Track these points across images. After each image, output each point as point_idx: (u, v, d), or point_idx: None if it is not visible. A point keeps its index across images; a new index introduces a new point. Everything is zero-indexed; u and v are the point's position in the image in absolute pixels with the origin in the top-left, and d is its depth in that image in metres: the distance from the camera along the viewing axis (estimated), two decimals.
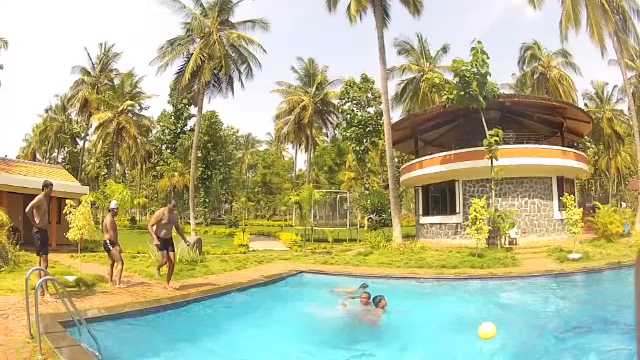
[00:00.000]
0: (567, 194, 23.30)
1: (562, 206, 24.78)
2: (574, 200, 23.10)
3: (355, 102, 52.71)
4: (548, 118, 32.13)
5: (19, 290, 11.38)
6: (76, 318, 7.46)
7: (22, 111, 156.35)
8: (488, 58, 26.57)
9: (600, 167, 74.27)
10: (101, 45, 65.23)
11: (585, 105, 61.33)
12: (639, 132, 29.85)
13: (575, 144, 37.28)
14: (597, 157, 72.39)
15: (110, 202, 17.59)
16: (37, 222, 11.14)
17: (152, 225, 13.51)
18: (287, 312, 12.17)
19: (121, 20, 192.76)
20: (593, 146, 68.26)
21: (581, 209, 22.82)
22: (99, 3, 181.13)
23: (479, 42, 26.53)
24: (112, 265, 14.03)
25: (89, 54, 64.31)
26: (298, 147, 71.02)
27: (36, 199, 11.12)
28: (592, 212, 29.58)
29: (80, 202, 14.88)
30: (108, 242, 13.92)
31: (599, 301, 13.30)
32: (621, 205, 40.72)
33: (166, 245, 13.61)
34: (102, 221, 16.85)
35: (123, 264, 13.97)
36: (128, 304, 11.06)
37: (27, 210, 11.09)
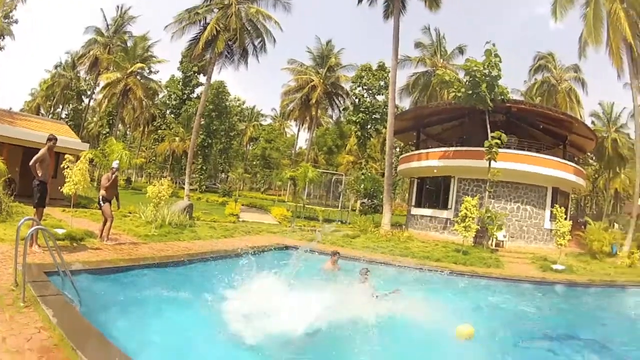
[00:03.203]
0: (557, 206, 23.28)
1: (553, 216, 24.84)
2: (565, 212, 23.11)
3: (366, 87, 52.72)
4: (553, 129, 32.22)
5: (8, 240, 11.50)
6: (61, 269, 7.64)
7: (32, 65, 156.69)
8: (500, 61, 26.60)
9: (598, 185, 73.75)
10: (118, 7, 65.24)
11: (592, 122, 61.30)
12: None
13: (576, 158, 37.26)
14: (596, 175, 71.96)
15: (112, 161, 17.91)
16: (39, 174, 11.23)
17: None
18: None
19: None
20: (595, 163, 67.91)
21: (570, 222, 22.85)
22: None
23: (493, 45, 26.57)
24: (104, 222, 14.20)
25: (104, 15, 64.48)
26: (301, 125, 71.29)
27: (40, 152, 11.16)
28: (582, 227, 29.60)
29: (78, 158, 15.07)
30: (101, 197, 14.24)
31: (570, 315, 13.45)
32: (613, 226, 40.54)
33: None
34: (98, 178, 16.96)
35: (112, 221, 14.24)
36: (112, 259, 11.34)
37: (30, 163, 11.09)
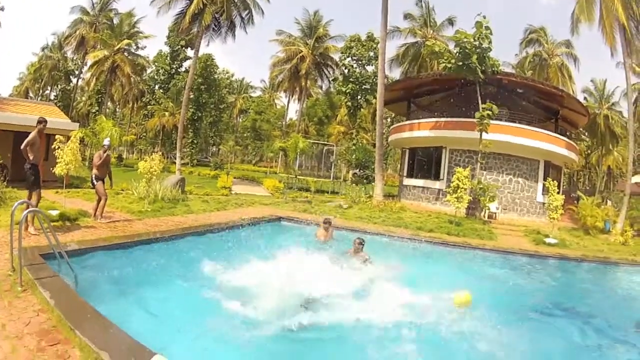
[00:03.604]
0: (550, 179, 23.29)
1: (546, 190, 24.62)
2: (557, 186, 23.04)
3: (356, 58, 52.58)
4: (544, 103, 32.15)
5: (3, 225, 11.44)
6: (57, 250, 7.76)
7: (18, 51, 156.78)
8: (491, 33, 26.50)
9: (591, 161, 73.04)
10: None
11: (585, 99, 61.08)
12: (633, 137, 29.71)
13: (568, 133, 37.07)
14: (589, 151, 71.13)
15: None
16: (31, 157, 11.18)
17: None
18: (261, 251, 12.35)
19: None
20: (587, 139, 67.59)
21: (563, 196, 22.86)
22: None
23: (484, 17, 26.42)
24: (98, 201, 14.21)
25: None
26: (291, 96, 71.07)
27: (30, 136, 11.08)
28: (575, 201, 29.46)
29: (69, 138, 15.06)
30: (94, 176, 14.31)
31: (562, 288, 13.57)
32: (606, 202, 40.24)
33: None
34: (90, 157, 16.78)
35: (105, 199, 14.25)
36: (106, 237, 11.46)
37: (22, 146, 11.04)
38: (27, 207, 8.39)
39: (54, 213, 12.72)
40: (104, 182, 14.52)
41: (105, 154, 14.54)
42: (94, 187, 14.44)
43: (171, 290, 8.79)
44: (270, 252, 10.82)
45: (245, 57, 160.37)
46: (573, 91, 51.59)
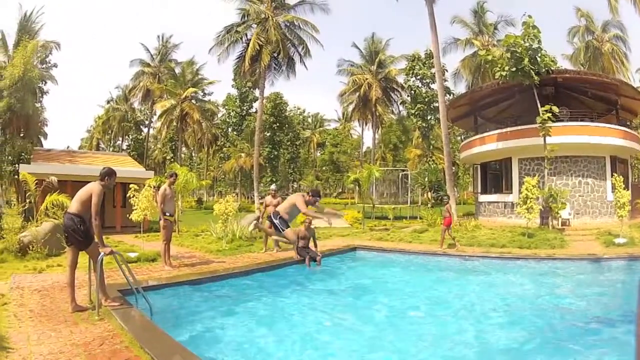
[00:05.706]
0: (616, 175, 22.17)
1: (613, 187, 23.72)
2: (625, 181, 22.09)
3: (419, 77, 52.67)
4: (602, 94, 31.26)
5: (80, 268, 11.98)
6: (133, 286, 8.48)
7: (79, 105, 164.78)
8: (539, 32, 26.10)
9: None
10: (159, 37, 67.74)
11: None
12: None
13: (629, 122, 35.71)
14: None
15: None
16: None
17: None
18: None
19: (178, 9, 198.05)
20: None
21: (629, 192, 21.68)
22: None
23: (529, 17, 26.13)
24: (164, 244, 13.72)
25: (146, 48, 67.14)
26: (364, 124, 71.59)
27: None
28: None
29: (144, 186, 16.07)
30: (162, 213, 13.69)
31: (626, 290, 12.56)
32: None
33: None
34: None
35: (167, 244, 13.77)
36: (184, 274, 12.33)
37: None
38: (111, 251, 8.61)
39: (133, 255, 13.75)
40: (172, 222, 14.33)
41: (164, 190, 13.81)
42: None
43: (244, 318, 9.11)
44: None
45: (319, 89, 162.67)
46: (627, 77, 49.46)
